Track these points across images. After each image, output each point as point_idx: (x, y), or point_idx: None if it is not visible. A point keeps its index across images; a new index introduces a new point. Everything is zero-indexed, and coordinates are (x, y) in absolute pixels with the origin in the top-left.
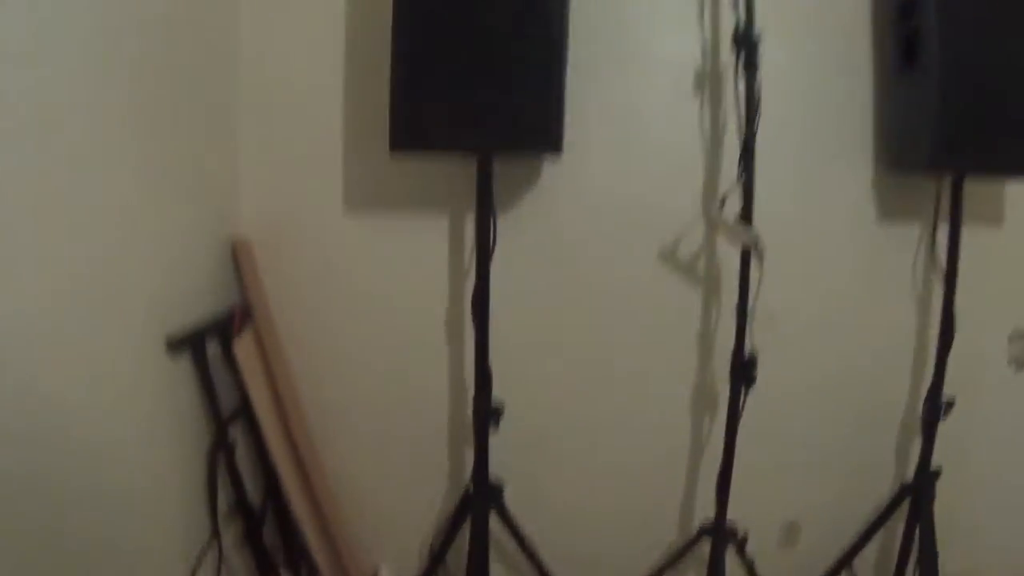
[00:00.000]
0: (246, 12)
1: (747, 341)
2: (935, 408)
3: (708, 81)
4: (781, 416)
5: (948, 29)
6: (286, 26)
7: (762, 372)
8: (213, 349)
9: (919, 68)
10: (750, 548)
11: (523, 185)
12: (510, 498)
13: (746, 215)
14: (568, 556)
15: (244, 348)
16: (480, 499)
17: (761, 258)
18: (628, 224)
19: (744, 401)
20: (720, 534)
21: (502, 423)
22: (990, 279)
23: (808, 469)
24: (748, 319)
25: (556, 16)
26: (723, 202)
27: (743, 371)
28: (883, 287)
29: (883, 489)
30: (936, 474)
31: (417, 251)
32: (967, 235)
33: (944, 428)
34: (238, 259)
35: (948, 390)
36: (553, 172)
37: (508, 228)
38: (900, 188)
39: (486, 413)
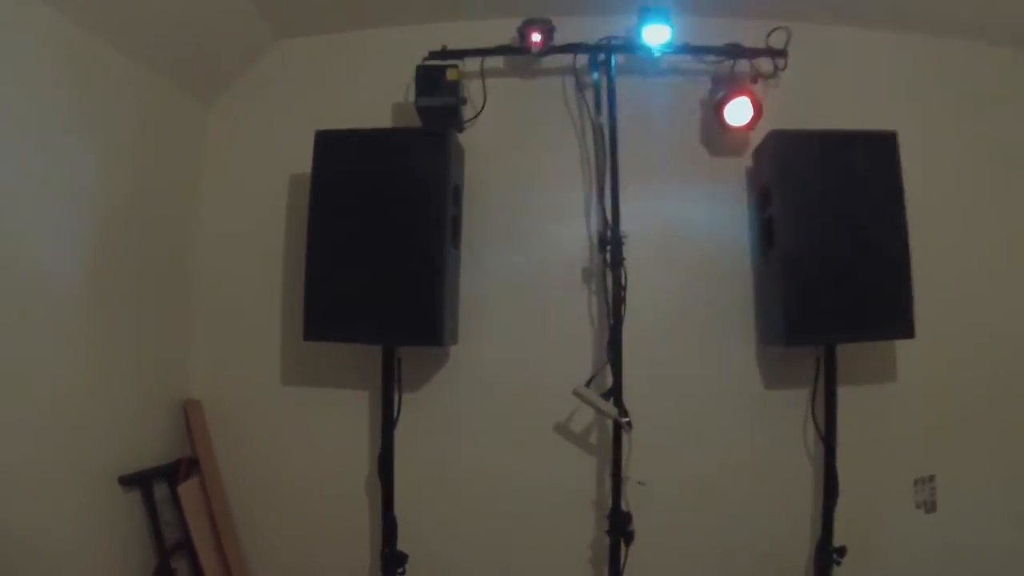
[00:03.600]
0: (205, 202)
1: (622, 500)
2: (827, 558)
3: (595, 274)
4: (674, 563)
5: (793, 215)
6: (237, 221)
7: (652, 524)
8: (163, 491)
9: (774, 252)
10: None
11: (433, 366)
12: None
13: (614, 390)
14: None
15: (189, 492)
16: None
17: (627, 429)
18: (523, 397)
19: (626, 556)
20: None
21: (411, 567)
22: (890, 430)
23: None
24: (623, 481)
25: (434, 239)
26: (590, 381)
27: (620, 526)
28: (773, 447)
29: None
30: None
31: (341, 418)
32: (863, 392)
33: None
34: (188, 416)
35: (854, 542)
36: (459, 354)
37: (418, 401)
38: (785, 358)
39: (391, 560)
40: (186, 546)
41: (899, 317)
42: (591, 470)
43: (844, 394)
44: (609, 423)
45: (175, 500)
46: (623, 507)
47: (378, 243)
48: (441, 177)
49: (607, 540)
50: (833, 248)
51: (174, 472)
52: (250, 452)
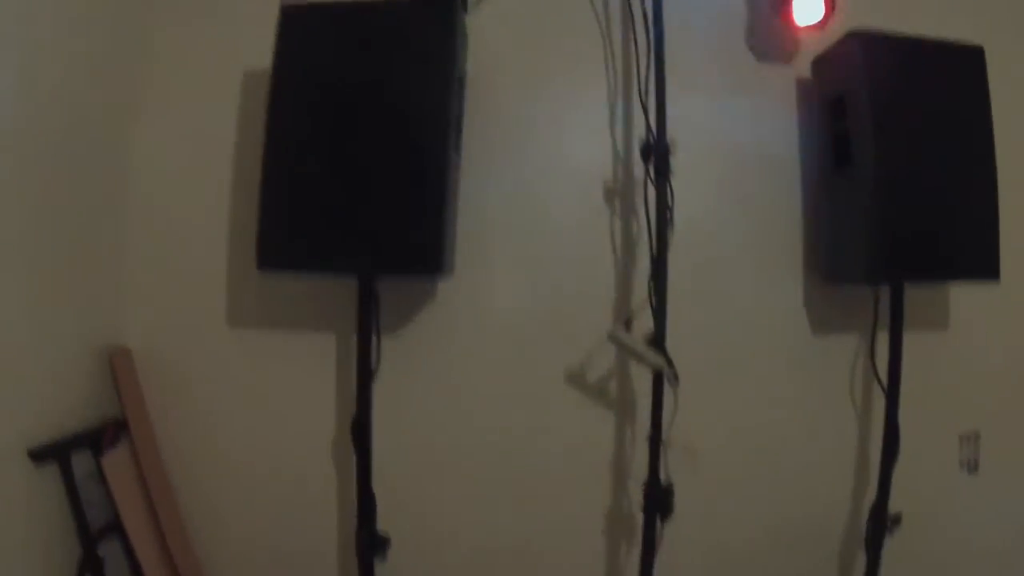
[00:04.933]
0: (139, 128)
1: (662, 470)
2: (880, 525)
3: (619, 193)
4: (710, 544)
5: (883, 131)
6: (176, 144)
7: (693, 492)
8: (86, 463)
9: (852, 172)
10: None
11: (416, 305)
12: None
13: (658, 336)
14: None
15: (116, 463)
16: None
17: (674, 384)
18: (532, 345)
19: (661, 532)
20: None
21: (395, 553)
22: (936, 383)
23: None
24: (662, 447)
25: (435, 138)
26: (628, 323)
27: (658, 501)
28: (821, 401)
29: None
30: None
31: (302, 370)
32: (910, 340)
33: (891, 543)
34: (115, 368)
35: (895, 499)
36: (450, 290)
37: (399, 349)
38: (833, 297)
39: (369, 545)
40: (116, 529)
41: (984, 256)
42: (610, 430)
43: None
44: (641, 376)
45: (100, 474)
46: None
47: (358, 146)
48: (447, 60)
49: (634, 512)
50: (921, 173)
51: (98, 440)
52: (192, 411)
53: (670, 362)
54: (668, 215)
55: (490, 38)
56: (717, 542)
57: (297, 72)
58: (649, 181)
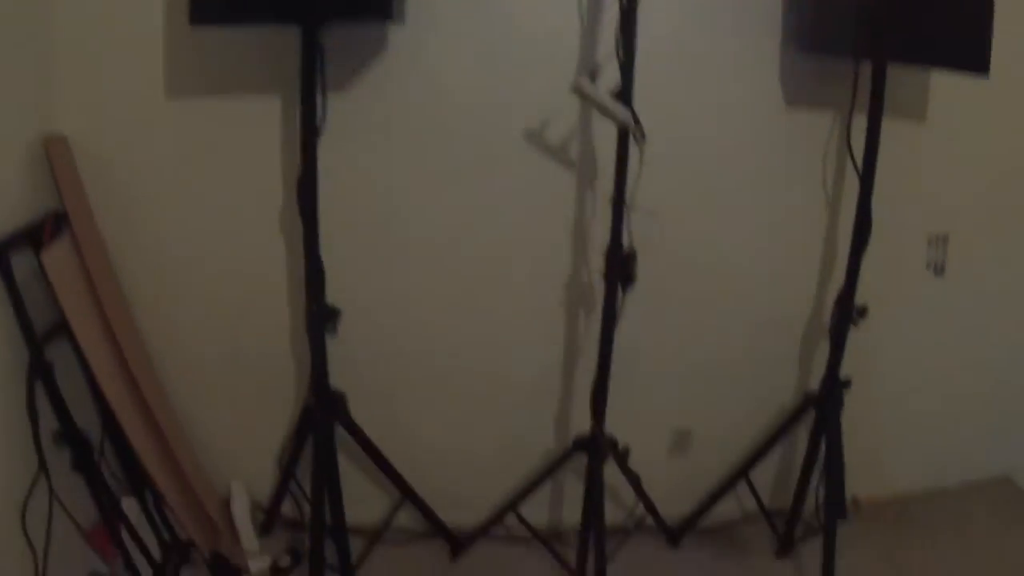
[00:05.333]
0: None
1: (625, 235)
2: (846, 313)
3: None
4: (672, 317)
5: None
6: None
7: (652, 269)
8: (28, 263)
9: None
10: (637, 457)
11: (365, 57)
12: (360, 410)
13: (624, 91)
14: (429, 471)
15: (56, 257)
16: (321, 411)
17: (640, 141)
18: (489, 101)
19: (623, 301)
20: (596, 447)
21: (349, 328)
22: (908, 178)
23: (702, 375)
24: (626, 211)
25: None
26: (594, 75)
27: (620, 268)
28: (790, 181)
29: (786, 399)
30: (846, 383)
31: (248, 135)
32: (885, 128)
33: (854, 337)
34: (51, 157)
35: (860, 296)
36: (401, 40)
37: (348, 106)
38: (811, 71)
39: (319, 316)
40: (64, 329)
41: (975, 46)
42: (571, 193)
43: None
44: (605, 136)
45: (43, 271)
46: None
47: None
48: None
49: (595, 281)
50: None
51: (38, 236)
52: (134, 195)
53: (637, 118)
54: None
55: None
56: (678, 314)
57: None
58: None
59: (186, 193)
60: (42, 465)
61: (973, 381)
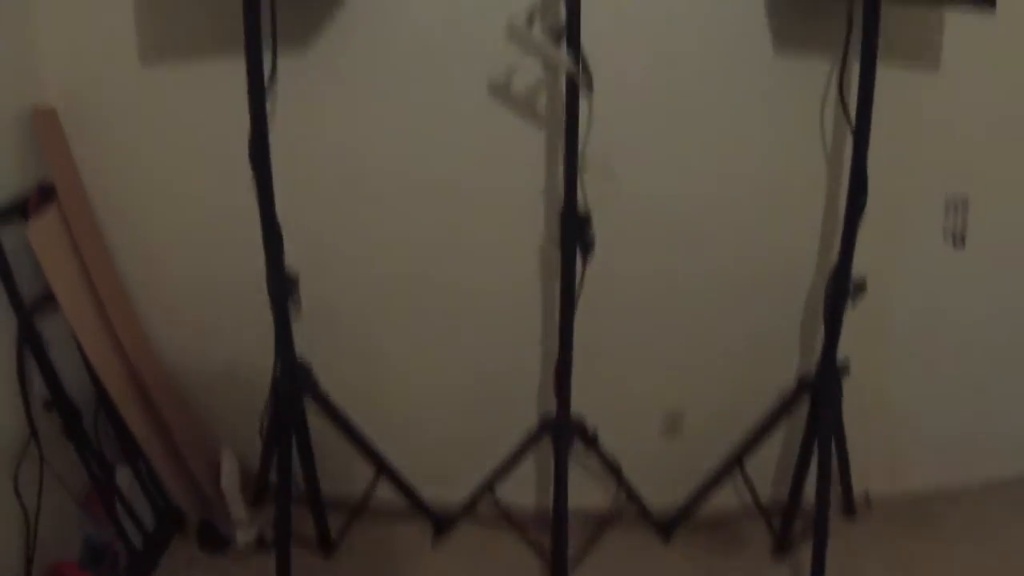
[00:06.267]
0: None
1: (579, 195)
2: (841, 290)
3: None
4: (657, 290)
5: None
6: None
7: (632, 238)
8: (17, 232)
9: None
10: (625, 441)
11: (321, 9)
12: (332, 379)
13: (569, 32)
14: (408, 445)
15: (42, 231)
16: (286, 383)
17: (587, 91)
18: (449, 51)
19: (584, 270)
20: (561, 430)
21: (317, 292)
22: (920, 133)
23: (693, 352)
24: (579, 167)
25: None
26: (532, 17)
27: (574, 232)
28: (783, 137)
29: (787, 382)
30: (842, 370)
31: (218, 95)
32: (894, 77)
33: (862, 316)
34: (38, 129)
35: (866, 270)
36: None
37: (304, 62)
38: (803, 9)
39: (279, 283)
40: (54, 299)
41: None
42: (539, 150)
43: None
44: (562, 81)
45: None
46: (580, 206)
47: None
48: None
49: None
50: None
51: (26, 208)
52: (118, 163)
53: (582, 64)
54: None
55: None
56: (664, 285)
57: None
58: None
59: (165, 153)
60: (33, 432)
61: (998, 368)
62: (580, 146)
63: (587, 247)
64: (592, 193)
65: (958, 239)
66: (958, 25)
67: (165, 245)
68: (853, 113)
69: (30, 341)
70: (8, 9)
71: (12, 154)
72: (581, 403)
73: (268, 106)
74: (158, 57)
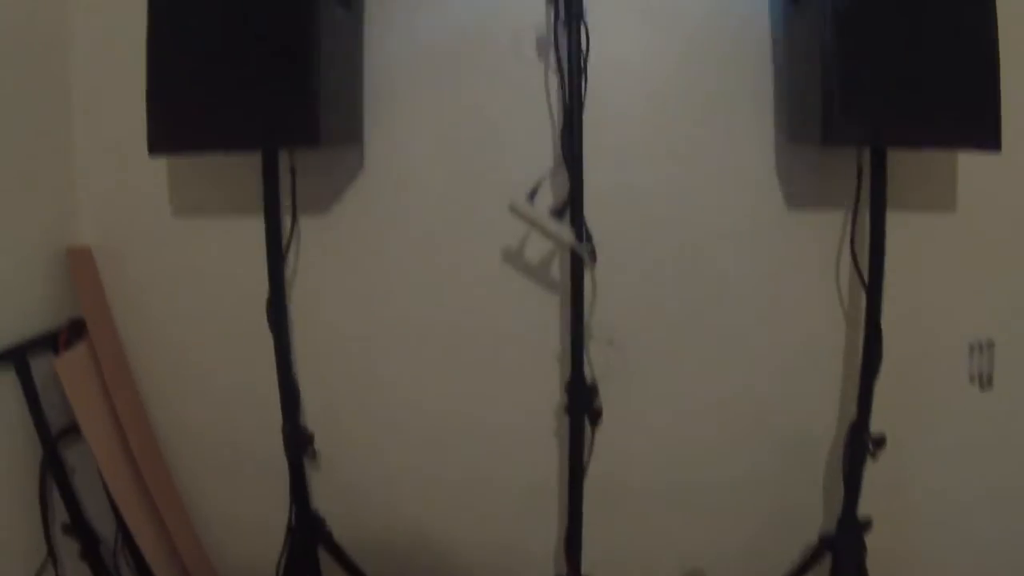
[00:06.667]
0: (76, 13)
1: (585, 365)
2: (859, 448)
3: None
4: (677, 446)
5: None
6: (117, 27)
7: (653, 394)
8: (47, 364)
9: (808, 6)
10: None
11: (343, 178)
12: (343, 532)
13: (575, 207)
14: None
15: (70, 364)
16: (301, 533)
17: (590, 263)
18: (462, 220)
19: (592, 439)
20: None
21: (332, 448)
22: (940, 278)
23: (715, 510)
24: (584, 337)
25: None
26: (534, 191)
27: (581, 402)
28: (797, 291)
29: (810, 537)
30: (864, 526)
31: (245, 252)
32: (910, 221)
33: (884, 464)
34: (72, 266)
35: (892, 417)
36: (377, 160)
37: (326, 225)
38: (814, 164)
39: (295, 439)
40: (78, 430)
41: (982, 119)
42: (554, 314)
43: (889, 222)
44: (567, 253)
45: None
46: (587, 375)
47: (238, 6)
48: None
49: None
50: (897, 6)
51: (57, 341)
52: (147, 306)
53: (586, 235)
54: (582, 62)
55: None
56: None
57: None
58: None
59: (198, 306)
60: (51, 552)
61: None
62: (586, 316)
63: (594, 417)
64: (599, 362)
65: (984, 381)
66: (972, 163)
67: (189, 389)
68: (866, 268)
69: (53, 467)
70: (51, 151)
71: (47, 288)
72: (598, 562)
73: (288, 267)
74: (188, 211)
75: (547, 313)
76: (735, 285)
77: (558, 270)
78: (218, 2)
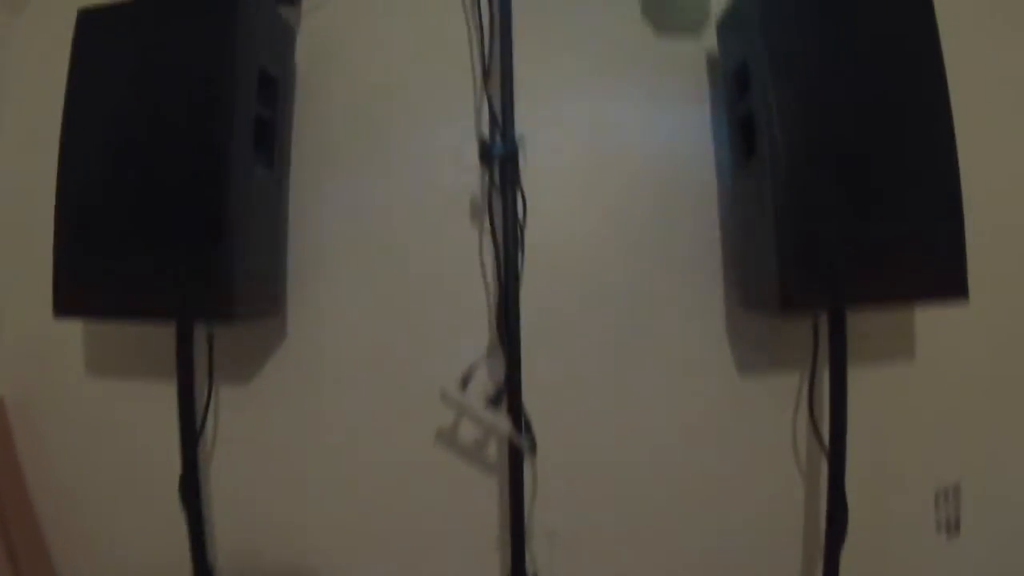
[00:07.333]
0: None
1: (527, 559)
2: None
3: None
4: None
5: (787, 104)
6: (32, 175)
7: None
8: None
9: (756, 165)
10: None
11: (266, 346)
12: None
13: (512, 396)
14: None
15: None
16: None
17: (530, 454)
18: (392, 397)
19: None
20: None
21: None
22: (903, 428)
23: None
24: (524, 532)
25: (219, 160)
26: (468, 378)
27: None
28: (753, 462)
29: None
30: None
31: (160, 415)
32: (868, 376)
33: None
34: None
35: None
36: (303, 325)
37: (250, 395)
38: (766, 329)
39: None
40: None
41: (946, 269)
42: (491, 501)
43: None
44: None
45: None
46: (528, 568)
47: (149, 168)
48: (226, 58)
49: None
50: (846, 157)
51: None
52: (61, 468)
53: (524, 426)
54: (519, 234)
55: (329, 28)
56: None
57: (90, 82)
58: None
59: (106, 462)
60: None
61: None
62: (526, 506)
63: None
64: (541, 555)
65: (952, 528)
66: (929, 314)
67: (100, 561)
68: (825, 431)
69: None
70: None
71: None
72: None
73: (207, 436)
74: (103, 370)
75: (484, 500)
76: (683, 467)
77: (495, 452)
78: (130, 164)
